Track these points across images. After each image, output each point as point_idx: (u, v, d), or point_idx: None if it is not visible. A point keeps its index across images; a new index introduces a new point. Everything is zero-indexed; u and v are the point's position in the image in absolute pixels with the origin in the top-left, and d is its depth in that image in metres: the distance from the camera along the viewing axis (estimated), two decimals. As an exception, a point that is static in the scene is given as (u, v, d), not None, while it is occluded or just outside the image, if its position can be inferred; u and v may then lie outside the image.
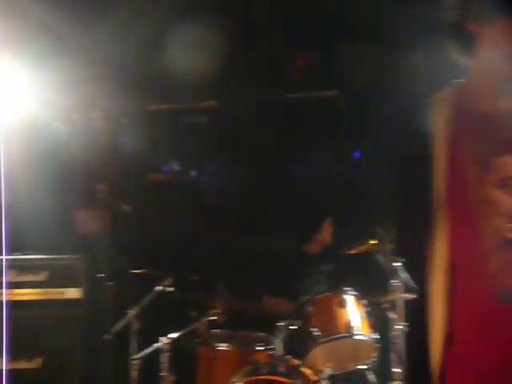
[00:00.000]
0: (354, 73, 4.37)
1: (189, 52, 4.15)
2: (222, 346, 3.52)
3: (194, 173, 4.63)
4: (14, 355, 3.83)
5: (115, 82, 4.27)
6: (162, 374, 3.49)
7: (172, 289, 3.67)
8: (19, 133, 4.24)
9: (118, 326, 3.70)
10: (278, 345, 3.40)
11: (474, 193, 1.78)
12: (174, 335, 3.51)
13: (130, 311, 3.72)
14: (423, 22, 3.37)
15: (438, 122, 1.88)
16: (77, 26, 3.95)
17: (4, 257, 3.73)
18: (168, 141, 4.48)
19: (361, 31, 4.16)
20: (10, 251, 4.09)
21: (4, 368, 3.43)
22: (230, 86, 4.34)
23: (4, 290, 3.85)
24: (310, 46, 4.41)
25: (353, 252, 3.67)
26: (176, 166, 4.58)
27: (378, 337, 3.46)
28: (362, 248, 3.61)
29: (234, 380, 3.22)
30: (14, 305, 3.94)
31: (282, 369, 3.29)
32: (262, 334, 3.67)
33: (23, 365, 3.85)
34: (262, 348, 3.51)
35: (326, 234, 4.07)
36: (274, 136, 4.48)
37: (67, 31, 4.01)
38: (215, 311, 3.56)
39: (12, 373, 3.80)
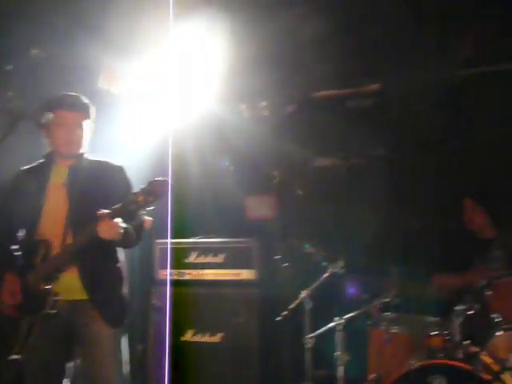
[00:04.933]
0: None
1: (350, 33, 4.14)
2: (395, 329, 3.52)
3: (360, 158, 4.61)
4: (198, 329, 4.22)
5: (280, 70, 4.40)
6: (336, 352, 3.58)
7: (344, 271, 3.75)
8: (192, 125, 4.60)
9: (292, 306, 3.86)
10: (454, 330, 3.31)
11: None
12: (348, 316, 3.58)
13: (304, 292, 3.87)
14: None
15: None
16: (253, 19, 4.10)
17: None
18: (334, 127, 4.52)
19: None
20: (191, 235, 4.48)
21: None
22: (395, 66, 4.26)
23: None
24: (481, 17, 4.16)
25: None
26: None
27: None
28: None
29: (411, 362, 3.21)
30: (196, 284, 4.30)
31: (460, 355, 3.20)
32: (436, 318, 3.59)
33: (207, 338, 4.20)
34: (437, 333, 3.44)
35: (469, 215, 3.89)
36: (443, 116, 4.31)
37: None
38: (387, 294, 3.56)
39: (196, 345, 4.18)
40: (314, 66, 4.31)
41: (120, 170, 3.01)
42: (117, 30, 4.08)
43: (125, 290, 2.96)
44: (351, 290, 3.76)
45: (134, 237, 2.90)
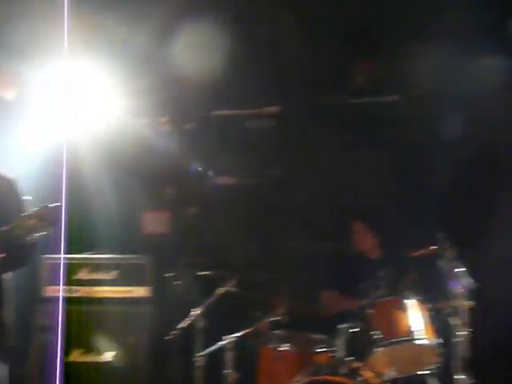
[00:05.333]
0: (417, 78, 4.35)
1: (253, 58, 4.26)
2: (284, 347, 3.59)
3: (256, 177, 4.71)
4: (87, 349, 4.08)
5: (180, 88, 4.42)
6: (225, 371, 3.60)
7: (236, 289, 3.78)
8: (89, 138, 4.49)
9: (184, 324, 3.83)
10: (339, 347, 3.45)
11: None
12: (238, 334, 3.61)
13: (195, 310, 3.85)
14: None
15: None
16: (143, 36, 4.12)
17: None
18: (233, 146, 4.59)
19: (423, 36, 4.15)
20: (83, 250, 4.34)
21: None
22: (294, 91, 4.42)
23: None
24: (373, 51, 4.44)
25: (414, 256, 3.67)
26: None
27: (441, 342, 3.42)
28: (424, 252, 3.59)
29: (297, 379, 3.29)
30: (86, 301, 4.16)
31: (343, 370, 3.33)
32: (323, 336, 3.71)
33: (96, 358, 4.06)
34: (323, 350, 3.56)
35: (358, 236, 4.10)
36: (337, 140, 4.52)
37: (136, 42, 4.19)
38: (278, 312, 3.63)
39: (85, 365, 4.04)
40: (214, 85, 4.37)
41: (11, 182, 2.84)
42: (14, 33, 3.93)
43: (7, 313, 2.80)
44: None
45: (20, 260, 2.75)
